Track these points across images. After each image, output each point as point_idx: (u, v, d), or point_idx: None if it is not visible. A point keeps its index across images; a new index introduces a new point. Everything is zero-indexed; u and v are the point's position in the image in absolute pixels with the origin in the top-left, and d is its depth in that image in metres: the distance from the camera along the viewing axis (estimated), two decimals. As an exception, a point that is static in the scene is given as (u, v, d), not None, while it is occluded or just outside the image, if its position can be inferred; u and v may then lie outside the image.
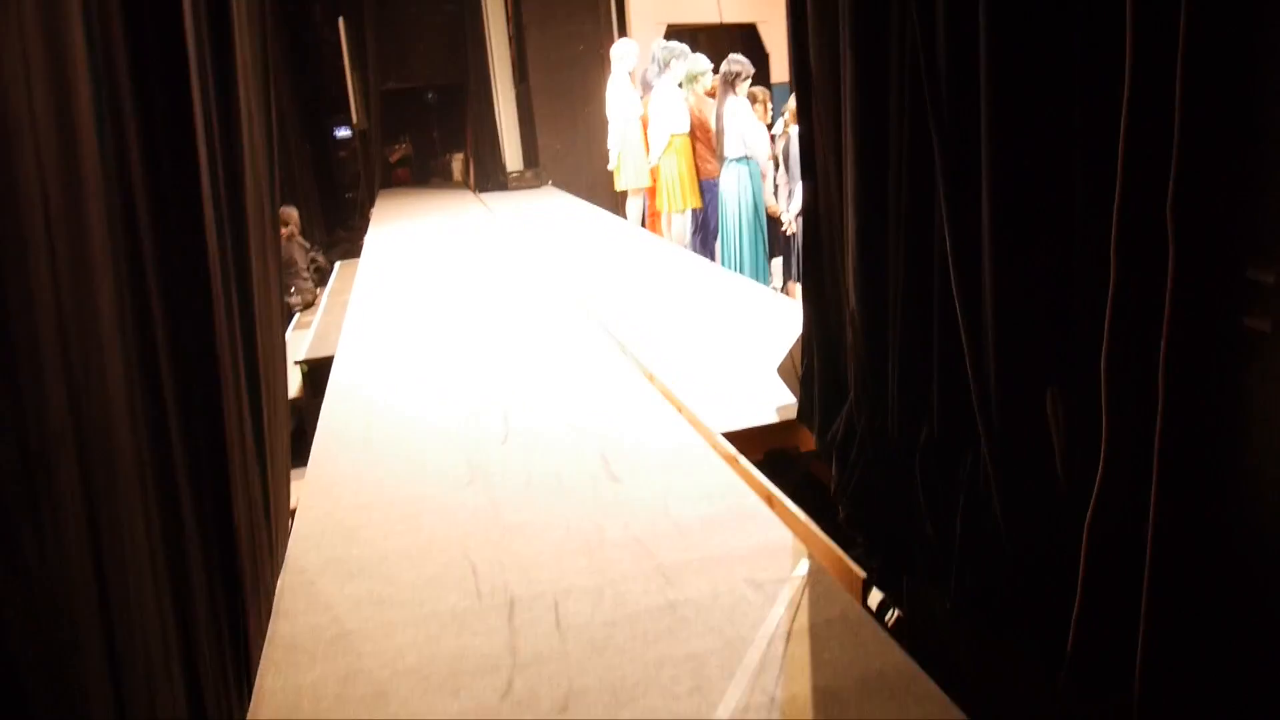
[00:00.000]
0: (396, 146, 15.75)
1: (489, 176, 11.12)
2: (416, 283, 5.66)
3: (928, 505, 2.03)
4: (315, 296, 7.67)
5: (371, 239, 7.77)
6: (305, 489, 2.67)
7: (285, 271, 7.40)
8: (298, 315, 7.23)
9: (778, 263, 6.50)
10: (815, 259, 2.75)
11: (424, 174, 15.27)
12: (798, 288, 6.19)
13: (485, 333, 4.33)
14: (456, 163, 13.92)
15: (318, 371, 5.08)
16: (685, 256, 5.79)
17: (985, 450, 1.86)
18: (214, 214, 1.92)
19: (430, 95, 14.93)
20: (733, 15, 12.38)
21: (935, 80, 1.84)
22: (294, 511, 2.60)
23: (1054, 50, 1.60)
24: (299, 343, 5.69)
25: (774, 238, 6.33)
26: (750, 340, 3.75)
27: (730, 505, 2.35)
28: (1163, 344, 1.36)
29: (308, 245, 8.42)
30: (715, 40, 12.66)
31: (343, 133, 15.33)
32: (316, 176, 14.42)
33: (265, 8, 2.71)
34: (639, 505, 2.38)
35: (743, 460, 2.60)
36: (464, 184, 12.49)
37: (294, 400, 5.01)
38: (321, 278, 9.11)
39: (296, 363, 5.11)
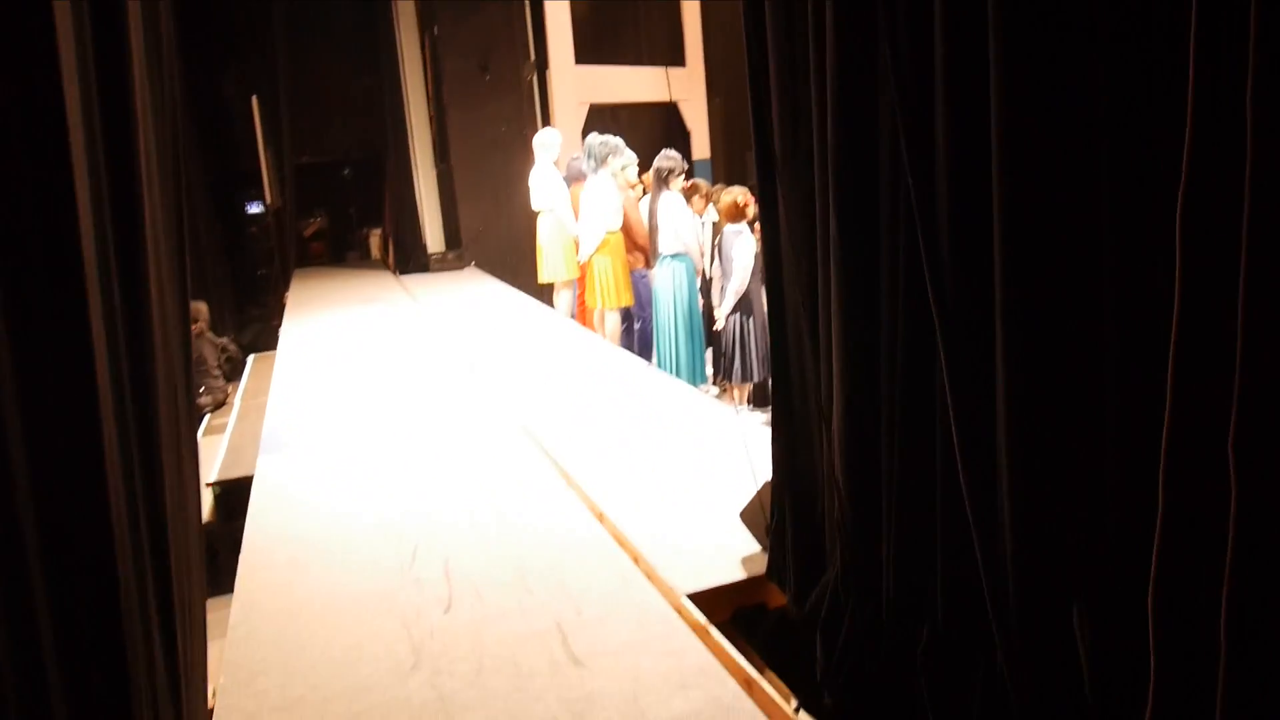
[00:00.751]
0: (311, 221, 15.38)
1: (409, 257, 10.84)
2: (338, 388, 5.35)
3: (934, 713, 1.84)
4: (227, 395, 7.26)
5: (288, 331, 7.41)
6: (223, 688, 2.36)
7: (195, 370, 6.98)
8: (208, 417, 6.81)
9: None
10: (784, 392, 2.58)
11: (340, 248, 14.91)
12: (736, 390, 6.07)
13: (417, 452, 4.05)
14: (374, 238, 13.62)
15: (232, 493, 4.73)
16: (625, 360, 5.61)
17: (1002, 660, 1.68)
18: (103, 324, 1.56)
19: (346, 170, 14.64)
20: (652, 94, 12.49)
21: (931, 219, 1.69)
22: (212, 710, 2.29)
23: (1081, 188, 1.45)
24: (211, 451, 5.31)
25: (710, 334, 6.22)
26: (707, 469, 3.56)
27: (708, 696, 2.13)
28: (1226, 584, 1.21)
29: (219, 340, 7.99)
30: (636, 118, 12.71)
31: (255, 209, 14.92)
32: (228, 254, 13.96)
33: (170, 85, 2.38)
34: (607, 700, 2.14)
35: (714, 632, 2.38)
36: (382, 262, 12.18)
37: (205, 524, 4.64)
38: (234, 368, 8.68)
39: (208, 485, 4.73)
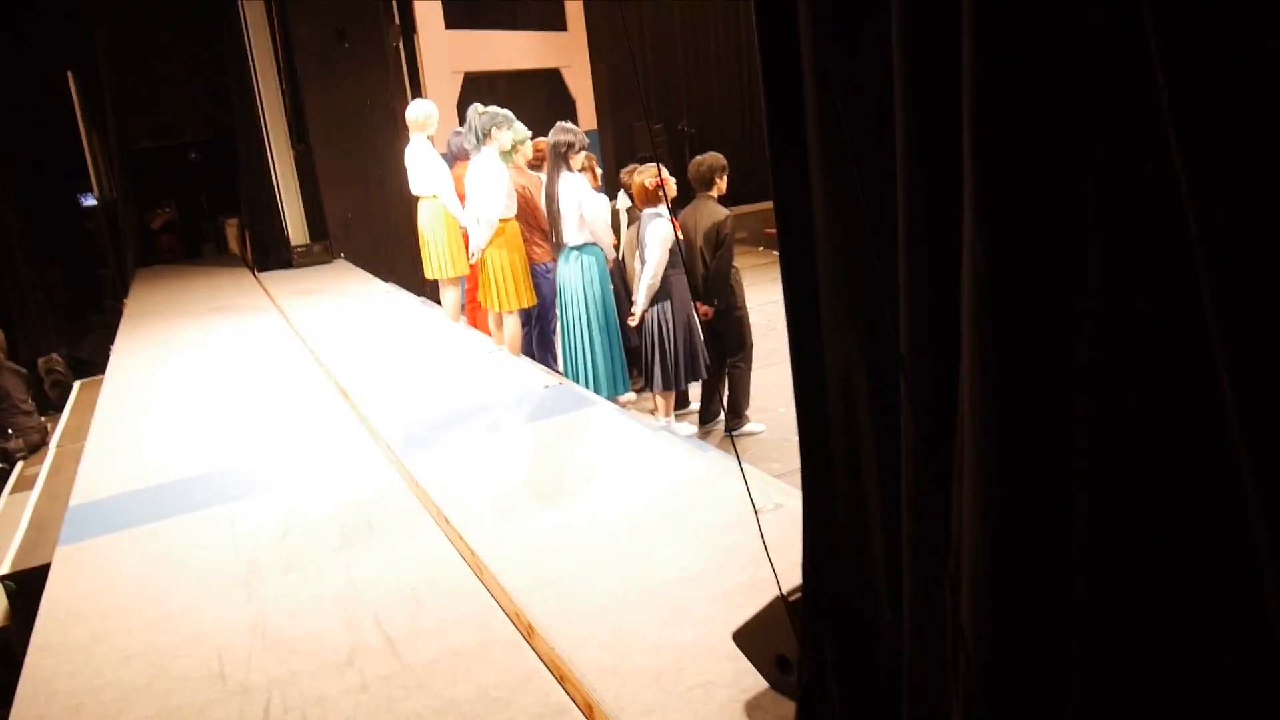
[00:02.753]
0: (159, 212, 13.80)
1: (269, 252, 9.59)
2: (173, 432, 4.28)
3: None
4: (45, 434, 6.02)
5: (120, 353, 6.21)
6: None
7: (-3, 410, 5.74)
8: (20, 466, 5.58)
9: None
10: (823, 476, 1.78)
11: (194, 241, 13.42)
12: (659, 399, 5.24)
13: (275, 528, 3.09)
14: (231, 229, 12.19)
15: (30, 586, 3.64)
16: (528, 373, 4.71)
17: None
18: None
19: (193, 154, 13.10)
20: (531, 61, 11.48)
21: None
22: None
23: None
24: (7, 525, 4.19)
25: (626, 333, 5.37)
26: (673, 547, 2.72)
27: None
28: None
29: (23, 370, 6.66)
30: (517, 87, 11.66)
31: (89, 202, 13.24)
32: (59, 253, 12.30)
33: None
34: None
35: None
36: (240, 257, 10.85)
37: (-2, 631, 3.57)
38: (63, 393, 7.36)
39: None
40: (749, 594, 2.24)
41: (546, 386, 4.30)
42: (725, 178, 5.20)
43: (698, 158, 5.28)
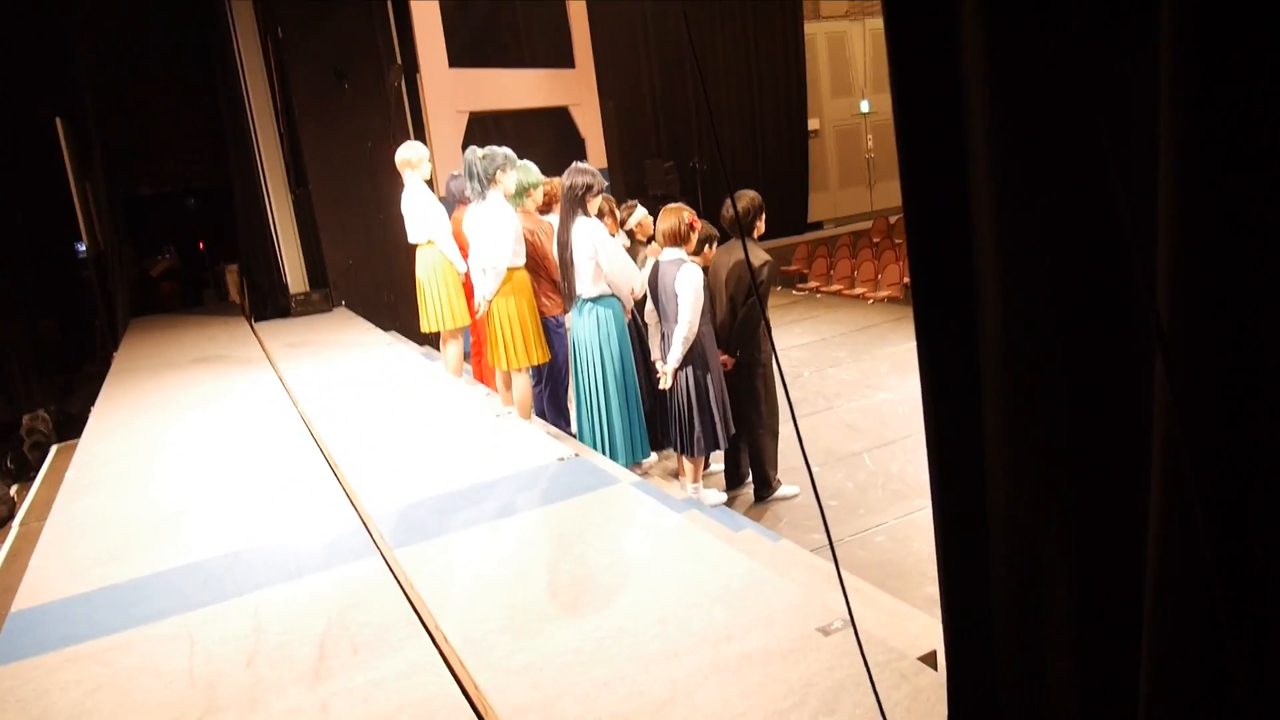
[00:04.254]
0: (159, 259, 13.47)
1: (266, 300, 9.18)
2: (142, 517, 3.80)
3: None
4: (13, 507, 5.55)
5: (101, 414, 5.74)
6: None
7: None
8: (-17, 543, 5.09)
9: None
10: (974, 616, 1.34)
11: (195, 288, 13.05)
12: (687, 463, 4.74)
13: (240, 648, 2.59)
14: (231, 275, 11.80)
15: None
16: (538, 441, 4.21)
17: None
18: None
19: (191, 200, 12.75)
20: (538, 99, 11.11)
21: None
22: None
23: None
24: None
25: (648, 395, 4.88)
26: (720, 681, 2.22)
27: None
28: None
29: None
30: (523, 126, 11.30)
31: (83, 251, 12.88)
32: (56, 307, 11.92)
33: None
34: None
35: None
36: (240, 305, 10.44)
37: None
38: (41, 456, 6.89)
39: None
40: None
41: (560, 459, 3.81)
42: (763, 219, 4.74)
43: (731, 197, 4.83)
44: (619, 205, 5.66)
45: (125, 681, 2.53)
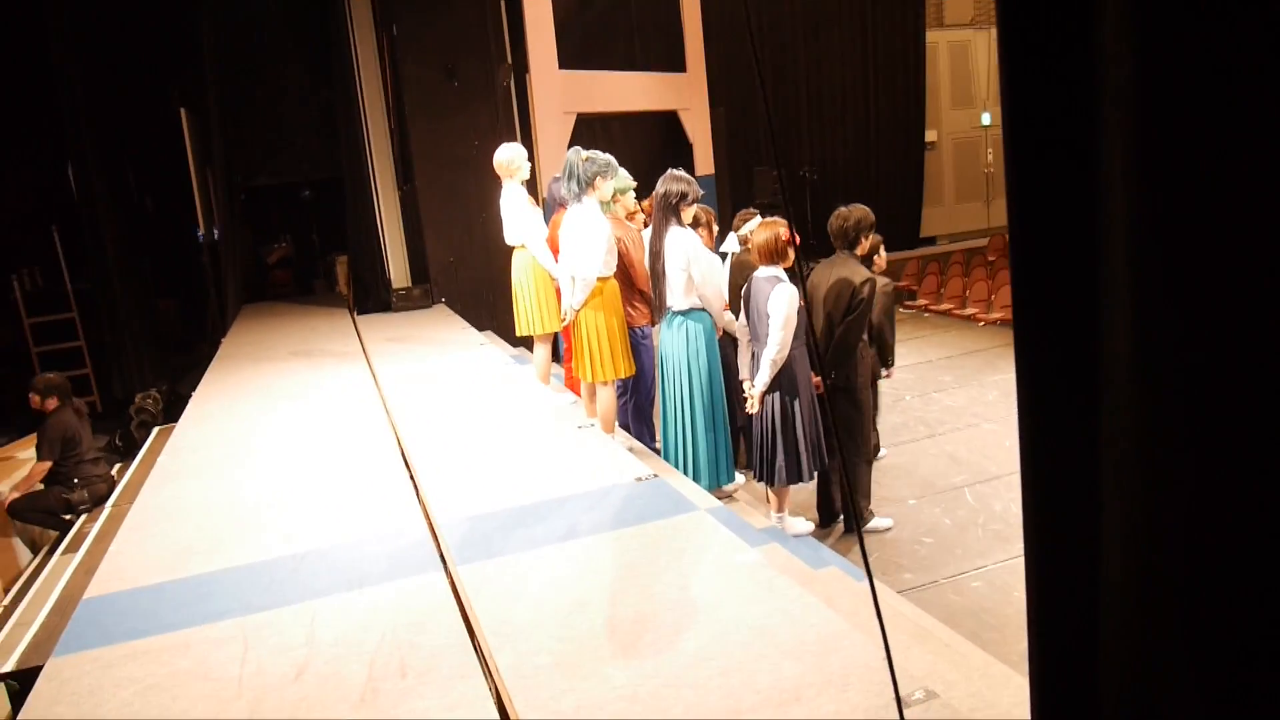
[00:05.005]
0: (276, 246, 13.93)
1: (369, 293, 9.31)
2: (218, 510, 3.81)
3: None
4: (111, 485, 5.70)
5: (199, 401, 5.86)
6: None
7: (64, 461, 5.42)
8: (80, 521, 5.25)
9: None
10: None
11: (308, 277, 13.42)
12: (772, 494, 4.52)
13: (291, 659, 2.51)
14: (341, 266, 12.08)
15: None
16: (617, 458, 4.07)
17: None
18: None
19: (306, 192, 13.12)
20: (647, 102, 10.99)
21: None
22: None
23: None
24: (52, 582, 3.79)
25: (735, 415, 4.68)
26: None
27: None
28: None
29: (84, 411, 6.35)
30: (630, 131, 11.20)
31: (211, 236, 13.41)
32: (177, 289, 12.41)
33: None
34: None
35: None
36: (346, 296, 10.65)
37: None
38: (148, 435, 7.11)
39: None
40: None
41: (639, 479, 3.65)
42: (871, 236, 4.50)
43: (841, 209, 4.59)
44: (728, 214, 5.48)
45: (175, 685, 2.48)
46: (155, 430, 6.54)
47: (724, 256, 5.36)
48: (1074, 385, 1.07)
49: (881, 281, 5.14)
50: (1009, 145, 1.05)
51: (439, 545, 3.26)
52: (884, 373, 5.37)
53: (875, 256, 5.17)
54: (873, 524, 4.87)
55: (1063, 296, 1.06)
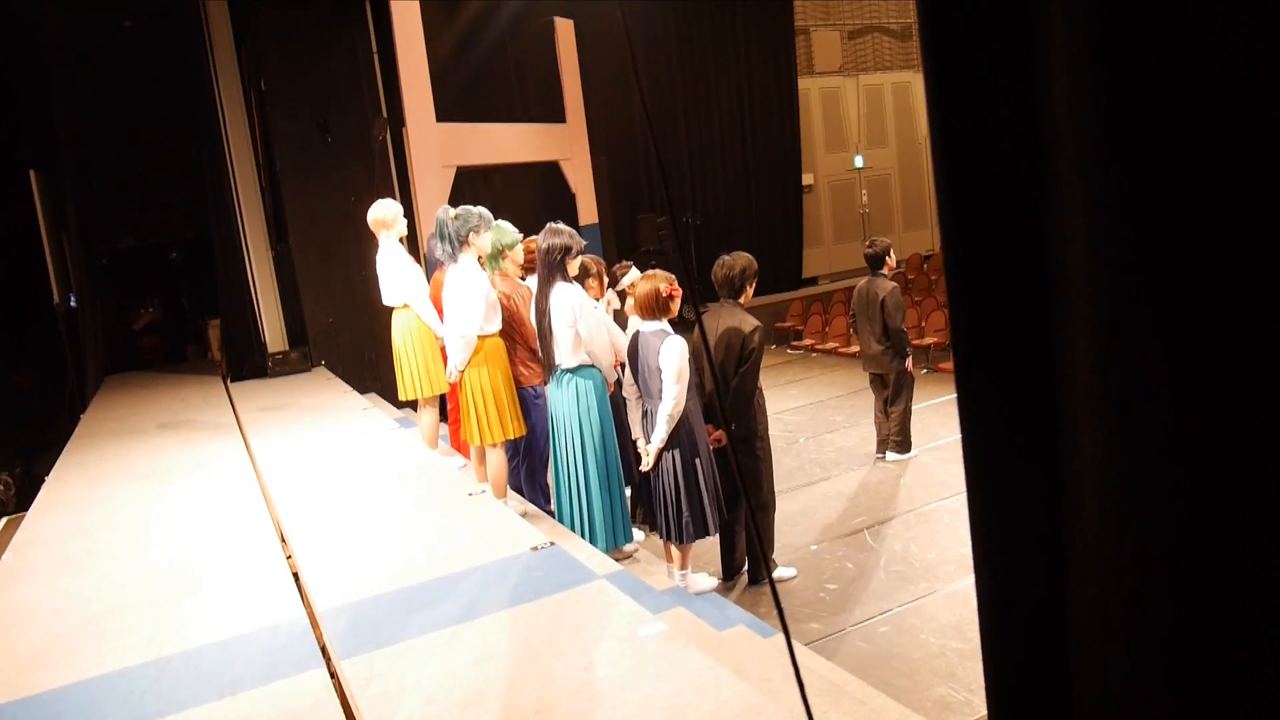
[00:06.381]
0: (142, 312, 13.20)
1: (244, 359, 8.86)
2: (70, 615, 3.45)
3: None
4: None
5: (48, 493, 5.38)
6: None
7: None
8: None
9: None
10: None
11: (178, 342, 12.74)
12: (674, 549, 4.40)
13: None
14: (214, 330, 11.52)
15: None
16: (510, 525, 3.89)
17: None
18: None
19: (174, 254, 12.50)
20: (528, 153, 10.91)
21: None
22: None
23: None
24: None
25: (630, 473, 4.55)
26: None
27: None
28: None
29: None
30: (511, 182, 11.10)
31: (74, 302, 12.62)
32: (32, 360, 11.59)
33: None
34: None
35: None
36: (220, 362, 10.13)
37: None
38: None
39: None
40: None
41: (534, 548, 3.48)
42: (755, 284, 4.48)
43: (725, 257, 4.56)
44: (614, 263, 5.40)
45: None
46: (3, 520, 5.99)
47: (616, 314, 5.26)
48: (1026, 406, 0.98)
49: (890, 284, 6.44)
50: (943, 170, 0.96)
51: (320, 638, 3.01)
52: (907, 363, 6.49)
53: (887, 258, 6.49)
54: (777, 573, 4.80)
55: (1012, 310, 0.97)
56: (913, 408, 6.64)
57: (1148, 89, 0.77)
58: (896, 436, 6.62)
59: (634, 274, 5.36)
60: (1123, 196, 0.82)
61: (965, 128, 0.97)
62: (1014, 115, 0.93)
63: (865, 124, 15.85)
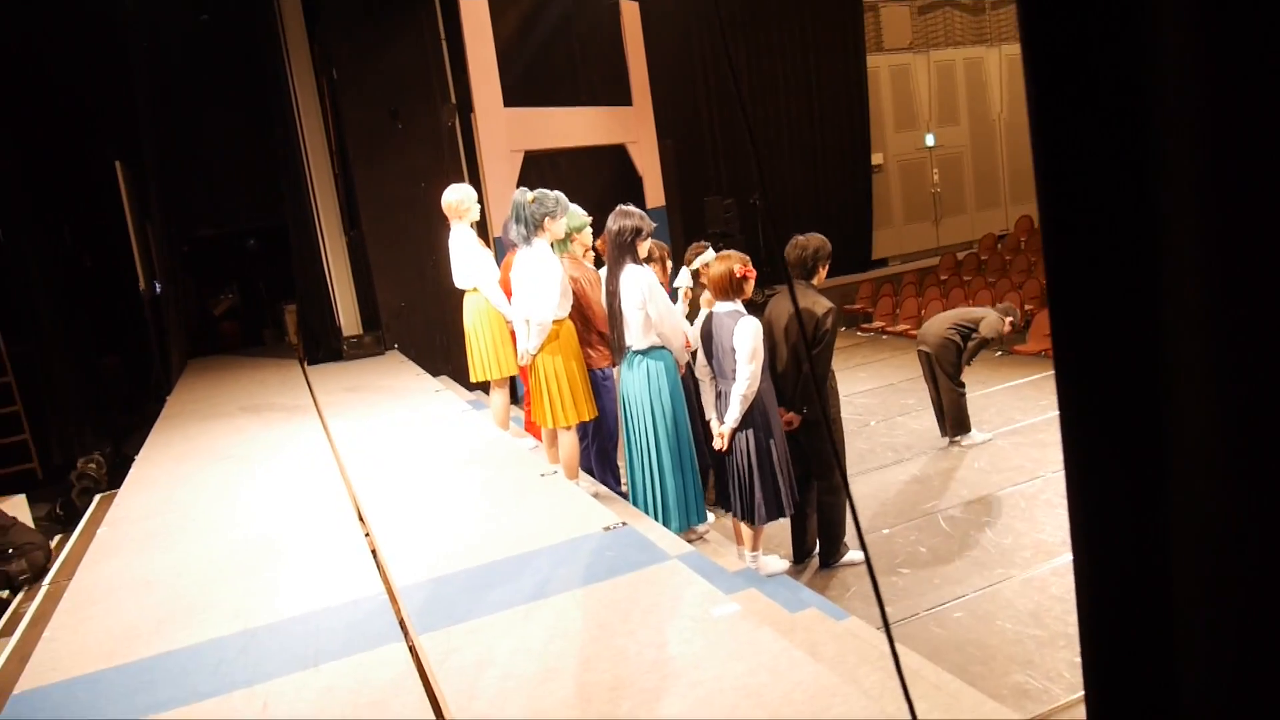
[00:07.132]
0: (222, 298, 13.62)
1: (319, 343, 9.07)
2: (161, 587, 3.58)
3: None
4: (49, 554, 5.41)
5: (138, 471, 5.59)
6: None
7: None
8: (21, 594, 4.96)
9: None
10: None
11: (256, 327, 13.12)
12: (746, 530, 4.39)
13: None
14: (290, 315, 11.81)
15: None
16: (581, 505, 3.92)
17: None
18: None
19: (251, 241, 12.86)
20: (594, 137, 10.92)
21: None
22: None
23: None
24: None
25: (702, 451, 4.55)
26: None
27: None
28: None
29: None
30: (579, 166, 11.12)
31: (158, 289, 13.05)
32: (119, 345, 12.04)
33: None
34: None
35: None
36: (296, 346, 10.39)
37: None
38: (89, 502, 6.80)
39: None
40: None
41: (607, 528, 3.50)
42: (828, 265, 4.42)
43: (799, 238, 4.51)
44: (686, 245, 5.38)
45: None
46: (97, 497, 6.25)
47: (675, 293, 5.24)
48: (1127, 386, 0.95)
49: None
50: (1042, 147, 0.94)
51: (399, 613, 3.07)
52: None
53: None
54: (848, 556, 4.76)
55: (1113, 293, 0.94)
56: (989, 391, 6.50)
57: (1265, 63, 0.74)
58: (952, 418, 6.49)
59: (708, 254, 5.33)
60: (1234, 175, 0.78)
61: (1066, 103, 0.94)
62: (1119, 89, 0.90)
63: (936, 101, 15.50)
